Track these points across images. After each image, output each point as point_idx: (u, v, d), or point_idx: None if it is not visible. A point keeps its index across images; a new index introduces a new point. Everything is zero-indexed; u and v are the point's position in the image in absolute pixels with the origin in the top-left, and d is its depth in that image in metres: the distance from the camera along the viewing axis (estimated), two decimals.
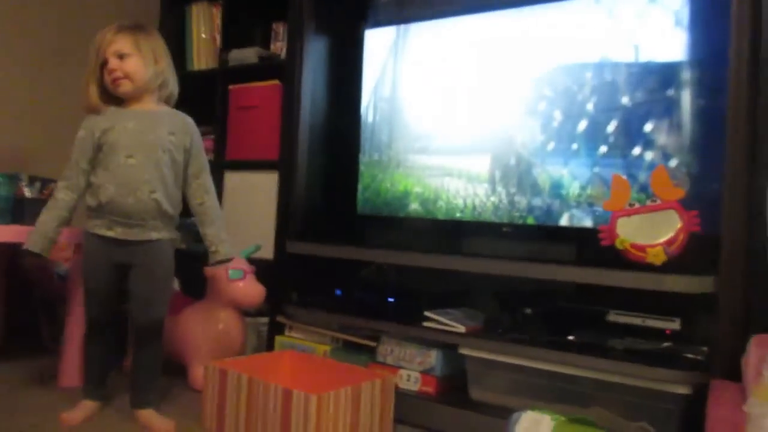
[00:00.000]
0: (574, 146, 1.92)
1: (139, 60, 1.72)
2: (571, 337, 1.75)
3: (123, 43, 1.71)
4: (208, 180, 1.83)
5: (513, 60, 2.05)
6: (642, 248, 1.63)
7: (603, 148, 1.88)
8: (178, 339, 2.09)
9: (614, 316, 1.77)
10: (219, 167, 2.56)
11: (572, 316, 1.85)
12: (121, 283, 1.78)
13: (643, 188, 1.77)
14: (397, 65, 2.33)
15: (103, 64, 1.72)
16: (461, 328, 1.84)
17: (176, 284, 2.52)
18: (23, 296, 2.50)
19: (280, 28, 2.54)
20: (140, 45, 1.73)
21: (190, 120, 1.83)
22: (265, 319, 2.34)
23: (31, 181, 2.17)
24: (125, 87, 1.73)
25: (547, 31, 1.99)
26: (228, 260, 1.82)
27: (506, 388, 1.78)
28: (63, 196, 1.74)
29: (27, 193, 2.14)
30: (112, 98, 1.77)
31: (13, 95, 2.56)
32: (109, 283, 1.77)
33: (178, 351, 2.10)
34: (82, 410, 1.75)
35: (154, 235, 1.75)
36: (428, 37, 2.25)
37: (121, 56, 1.71)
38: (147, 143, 1.72)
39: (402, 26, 2.32)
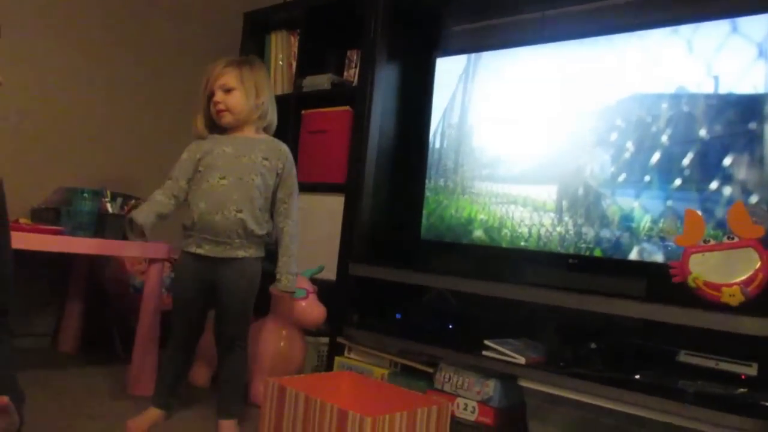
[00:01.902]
0: (647, 178, 1.87)
1: (241, 94, 1.84)
2: (637, 376, 1.68)
3: (229, 78, 1.84)
4: (292, 206, 1.90)
5: (585, 89, 2.03)
6: (717, 287, 1.56)
7: (677, 182, 1.81)
8: None
9: (685, 357, 1.69)
10: None
11: (640, 354, 1.78)
12: (208, 301, 1.87)
13: (720, 224, 1.70)
14: (466, 93, 2.34)
15: (211, 95, 1.85)
16: (521, 360, 1.80)
17: None
18: (99, 307, 2.63)
19: (354, 56, 2.61)
20: (244, 79, 1.85)
21: (285, 147, 1.92)
22: (325, 339, 2.37)
23: (114, 197, 2.30)
24: (227, 118, 1.86)
25: (622, 61, 1.96)
26: (288, 292, 1.89)
27: (568, 424, 1.72)
28: (160, 197, 1.84)
29: (109, 208, 2.26)
30: (217, 126, 1.90)
31: (99, 116, 2.73)
32: (196, 299, 1.86)
33: None
34: (148, 418, 1.82)
35: (240, 254, 1.82)
36: (499, 65, 2.26)
37: (226, 90, 1.84)
38: (240, 166, 1.82)
39: (473, 55, 2.33)
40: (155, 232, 1.94)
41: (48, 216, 2.23)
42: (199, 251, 1.82)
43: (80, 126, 2.68)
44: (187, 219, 1.84)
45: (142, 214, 1.78)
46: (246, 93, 1.84)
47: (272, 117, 1.94)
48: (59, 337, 2.59)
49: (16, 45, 2.43)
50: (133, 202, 2.31)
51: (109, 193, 2.28)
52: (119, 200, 2.32)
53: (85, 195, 2.19)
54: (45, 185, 2.49)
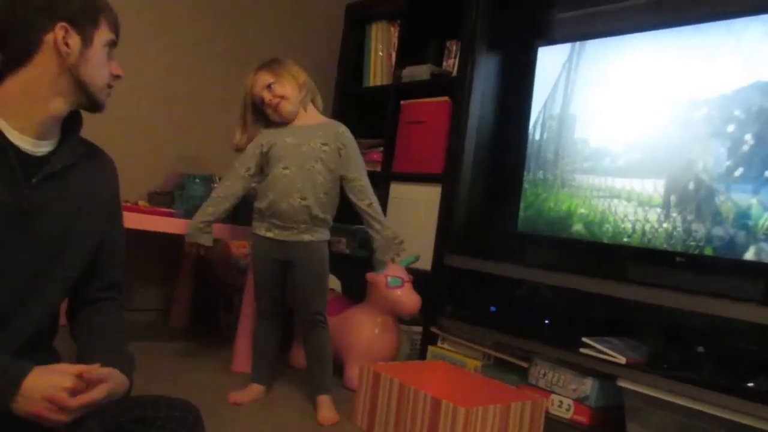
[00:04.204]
0: None
1: (283, 83, 1.94)
2: (750, 384, 1.58)
3: (265, 77, 1.95)
4: (363, 182, 1.99)
5: (699, 78, 1.91)
6: None
7: None
8: (335, 339, 2.19)
9: None
10: (386, 178, 2.67)
11: (753, 361, 1.67)
12: (285, 278, 1.97)
13: None
14: (569, 82, 2.27)
15: (260, 103, 1.96)
16: (621, 359, 1.74)
17: (338, 287, 2.66)
18: (207, 286, 2.79)
19: (453, 46, 2.60)
20: (277, 73, 1.95)
21: (343, 129, 2.00)
22: (418, 328, 2.39)
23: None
24: (286, 107, 1.95)
25: (741, 48, 1.83)
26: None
27: (669, 429, 1.65)
28: (208, 208, 2.01)
29: None
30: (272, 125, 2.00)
31: (208, 107, 2.86)
32: (272, 276, 1.97)
33: (336, 350, 2.21)
34: (250, 392, 1.92)
35: (306, 237, 1.92)
36: (605, 53, 2.17)
37: (269, 86, 1.94)
38: (301, 155, 1.92)
39: (577, 43, 2.26)
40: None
41: (163, 199, 2.39)
42: (269, 234, 1.93)
43: (194, 116, 2.82)
44: (258, 204, 1.96)
45: (192, 230, 1.98)
46: (286, 81, 1.94)
47: (316, 93, 2.04)
48: (171, 313, 2.77)
49: (124, 39, 2.60)
50: None
51: (218, 178, 2.40)
52: None
53: (197, 180, 2.32)
54: (161, 171, 2.67)
